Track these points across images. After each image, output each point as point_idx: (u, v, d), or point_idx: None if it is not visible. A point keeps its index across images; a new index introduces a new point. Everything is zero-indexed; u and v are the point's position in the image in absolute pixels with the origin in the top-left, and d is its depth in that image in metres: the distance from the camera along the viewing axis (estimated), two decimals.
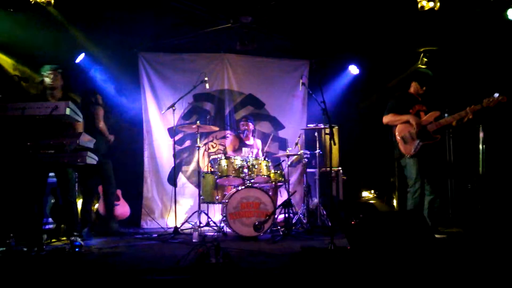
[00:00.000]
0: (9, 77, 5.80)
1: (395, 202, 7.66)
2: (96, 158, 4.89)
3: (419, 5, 5.48)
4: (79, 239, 4.79)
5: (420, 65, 7.42)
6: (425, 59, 7.42)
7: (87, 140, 4.66)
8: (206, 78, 6.58)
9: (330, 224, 6.29)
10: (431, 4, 5.43)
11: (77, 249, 4.61)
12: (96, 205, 6.66)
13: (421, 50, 7.46)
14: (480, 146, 5.98)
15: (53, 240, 5.57)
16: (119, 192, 6.77)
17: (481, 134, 5.99)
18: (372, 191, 8.11)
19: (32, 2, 5.04)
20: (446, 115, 5.38)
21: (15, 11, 4.90)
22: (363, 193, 8.09)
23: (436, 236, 4.79)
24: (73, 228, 4.89)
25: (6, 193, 5.01)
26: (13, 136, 4.34)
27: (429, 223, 5.07)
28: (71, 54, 6.99)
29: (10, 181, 4.78)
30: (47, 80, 4.86)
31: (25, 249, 4.51)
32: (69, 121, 4.69)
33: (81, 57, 7.08)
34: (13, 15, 5.22)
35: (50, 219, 5.99)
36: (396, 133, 5.44)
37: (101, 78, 6.83)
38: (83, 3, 5.81)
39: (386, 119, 5.52)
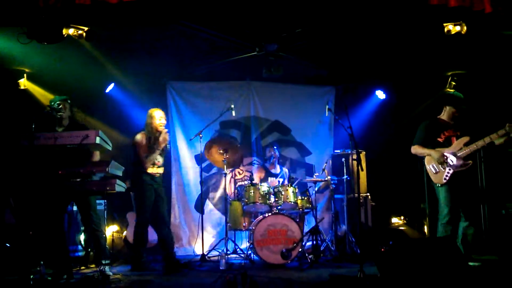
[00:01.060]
0: (42, 107, 5.98)
1: (425, 229, 7.46)
2: (125, 185, 4.96)
3: (446, 29, 5.43)
4: (107, 268, 4.82)
5: (448, 89, 7.33)
6: (454, 83, 7.33)
7: (116, 167, 4.73)
8: (232, 106, 6.65)
9: (359, 251, 6.18)
10: (458, 28, 5.38)
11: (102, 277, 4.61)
12: (125, 233, 6.72)
13: (449, 73, 7.38)
14: None
15: (82, 267, 5.62)
16: None
17: None
18: (402, 218, 7.93)
19: (65, 36, 5.21)
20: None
21: (48, 43, 5.07)
22: (392, 219, 7.91)
23: (470, 264, 4.63)
24: (101, 256, 4.93)
25: (37, 220, 5.11)
26: (45, 164, 4.43)
27: (462, 251, 4.91)
28: (102, 84, 7.21)
29: (41, 209, 4.87)
30: (56, 110, 4.97)
31: (52, 277, 4.57)
32: (98, 149, 4.79)
33: (110, 87, 7.30)
34: (47, 48, 5.41)
35: (80, 247, 6.08)
36: (425, 162, 5.34)
37: (130, 106, 7.00)
38: (113, 36, 5.98)
39: (413, 150, 5.44)
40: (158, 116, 5.75)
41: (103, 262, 4.87)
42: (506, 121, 4.96)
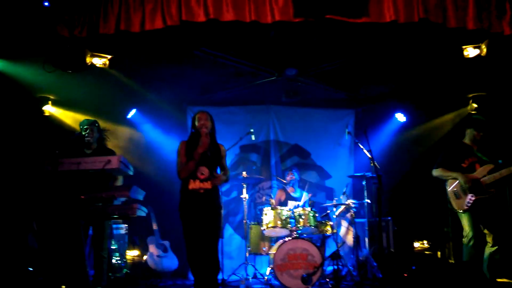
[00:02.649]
0: (71, 131, 6.09)
1: (449, 253, 7.30)
2: (146, 210, 4.99)
3: (465, 52, 5.43)
4: None
5: (469, 111, 7.27)
6: (475, 105, 7.27)
7: (137, 192, 4.78)
8: (252, 130, 6.70)
9: (381, 276, 6.08)
10: (477, 51, 5.37)
11: None
12: (145, 257, 6.74)
13: (470, 95, 7.33)
14: None
15: None
16: (167, 243, 6.84)
17: None
18: (425, 242, 7.79)
19: (89, 64, 5.37)
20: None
21: (73, 72, 5.23)
22: (415, 243, 7.77)
23: None
24: (100, 281, 4.99)
25: (58, 245, 5.18)
26: (67, 189, 4.51)
27: (488, 275, 4.79)
28: (124, 109, 7.36)
29: (62, 233, 4.94)
30: (84, 133, 5.08)
31: None
32: (121, 174, 4.86)
33: (132, 112, 7.44)
34: (71, 75, 5.57)
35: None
36: (448, 187, 5.22)
37: (151, 131, 7.11)
38: (135, 63, 6.13)
39: (436, 173, 5.28)
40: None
41: None
42: None
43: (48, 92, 6.86)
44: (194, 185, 4.38)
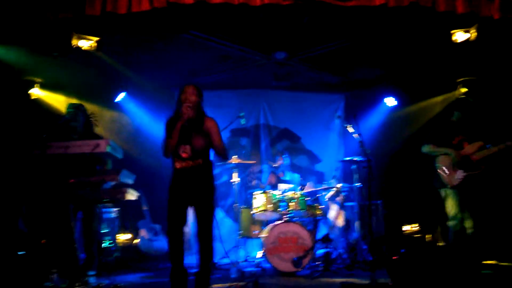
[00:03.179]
0: (58, 115, 6.02)
1: (438, 236, 7.39)
2: (137, 193, 4.98)
3: (453, 37, 5.43)
4: (92, 279, 4.87)
5: (459, 95, 7.30)
6: (465, 89, 7.30)
7: (127, 176, 4.76)
8: (242, 114, 6.67)
9: (371, 259, 6.14)
10: (466, 35, 5.37)
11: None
12: (136, 241, 6.75)
13: (459, 80, 7.35)
14: None
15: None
16: (158, 227, 6.85)
17: None
18: (415, 225, 7.87)
19: (75, 47, 5.29)
20: (488, 146, 5.20)
21: (59, 55, 5.16)
22: (404, 226, 7.86)
23: (482, 272, 4.58)
24: (90, 266, 4.99)
25: (48, 229, 5.16)
26: (56, 173, 4.47)
27: (473, 257, 4.86)
28: (112, 93, 7.29)
29: (52, 217, 4.93)
30: (69, 117, 5.01)
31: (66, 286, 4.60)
32: (110, 158, 4.82)
33: (121, 96, 7.38)
34: (58, 59, 5.50)
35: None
36: (437, 163, 5.29)
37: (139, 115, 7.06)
38: (122, 46, 6.06)
39: (426, 149, 5.37)
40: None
41: (89, 273, 4.93)
42: None
43: (35, 75, 6.77)
44: (179, 164, 4.12)
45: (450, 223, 5.19)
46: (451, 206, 5.17)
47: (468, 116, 5.35)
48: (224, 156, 4.28)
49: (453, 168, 5.14)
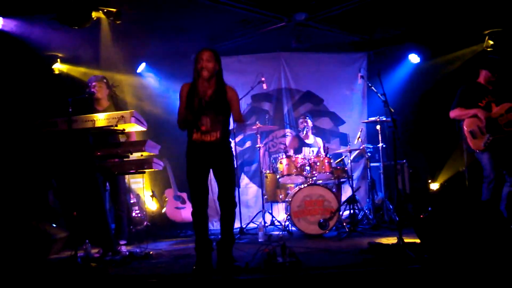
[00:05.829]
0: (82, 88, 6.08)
1: (465, 193, 7.32)
2: (162, 163, 5.04)
3: None
4: (123, 248, 5.04)
5: (485, 48, 7.07)
6: (491, 42, 7.05)
7: (152, 146, 4.81)
8: (263, 79, 6.62)
9: (397, 218, 6.14)
10: None
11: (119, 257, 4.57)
12: (164, 209, 6.88)
13: (486, 32, 7.09)
14: None
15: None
16: (184, 195, 6.96)
17: None
18: (441, 183, 7.80)
19: (95, 18, 5.29)
20: None
21: (79, 27, 5.17)
22: (431, 185, 7.80)
23: None
24: (120, 236, 5.16)
25: (79, 201, 5.30)
26: (83, 146, 4.55)
27: (505, 216, 4.80)
28: (133, 64, 7.30)
29: (81, 189, 5.05)
30: (93, 90, 5.04)
31: (98, 255, 4.75)
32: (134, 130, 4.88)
33: (142, 66, 7.39)
34: (79, 31, 5.51)
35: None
36: (465, 127, 5.13)
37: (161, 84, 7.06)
38: (141, 15, 6.01)
39: (453, 113, 5.22)
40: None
41: (121, 243, 5.10)
42: None
43: (56, 50, 6.81)
44: (196, 135, 3.95)
45: (484, 180, 5.09)
46: (485, 166, 5.07)
47: (496, 76, 5.16)
48: (243, 125, 4.29)
49: (480, 132, 5.01)
